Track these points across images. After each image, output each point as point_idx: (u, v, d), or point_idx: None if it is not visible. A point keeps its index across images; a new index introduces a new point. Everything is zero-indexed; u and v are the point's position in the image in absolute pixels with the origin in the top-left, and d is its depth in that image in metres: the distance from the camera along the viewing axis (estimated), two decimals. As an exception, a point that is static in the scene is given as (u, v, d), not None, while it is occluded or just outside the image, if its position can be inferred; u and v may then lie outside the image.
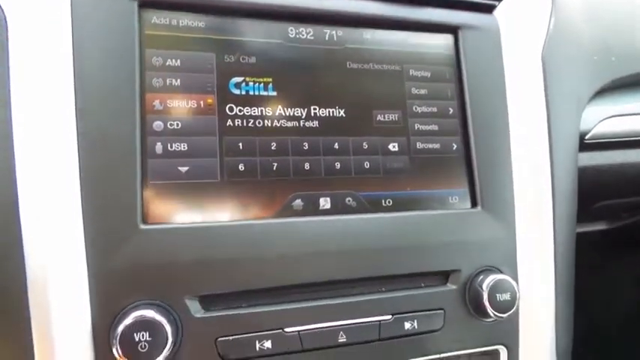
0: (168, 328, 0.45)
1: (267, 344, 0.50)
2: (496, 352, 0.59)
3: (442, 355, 0.56)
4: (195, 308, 0.49)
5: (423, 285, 0.57)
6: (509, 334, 0.60)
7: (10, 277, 0.45)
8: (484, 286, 0.56)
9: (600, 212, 0.92)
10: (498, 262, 0.59)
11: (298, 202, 0.55)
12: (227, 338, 0.49)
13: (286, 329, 0.51)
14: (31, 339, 0.46)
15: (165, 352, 0.45)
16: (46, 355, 0.46)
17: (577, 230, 0.68)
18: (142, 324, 0.45)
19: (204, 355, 0.48)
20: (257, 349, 0.50)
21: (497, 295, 0.56)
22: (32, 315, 0.46)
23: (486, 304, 0.56)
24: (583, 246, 0.72)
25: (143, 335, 0.45)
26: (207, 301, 0.49)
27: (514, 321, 0.60)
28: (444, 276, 0.58)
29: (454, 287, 0.57)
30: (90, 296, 0.46)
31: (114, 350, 0.44)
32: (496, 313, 0.56)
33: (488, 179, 0.61)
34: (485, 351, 0.59)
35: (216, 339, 0.49)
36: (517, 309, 0.59)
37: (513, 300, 0.57)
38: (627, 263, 1.14)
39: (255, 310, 0.50)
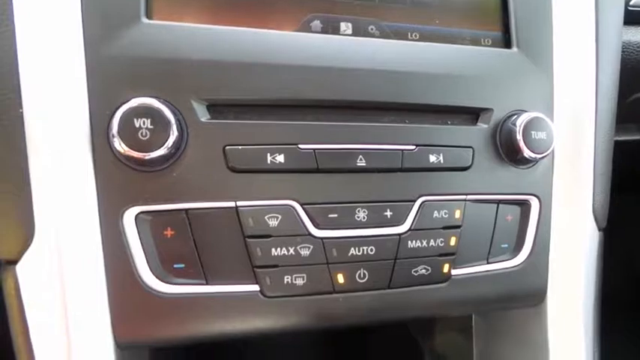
0: (172, 119, 0.41)
1: (280, 158, 0.46)
2: (527, 203, 0.54)
3: (468, 197, 0.52)
4: (201, 112, 0.44)
5: (450, 123, 0.52)
6: (542, 185, 0.55)
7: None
8: (518, 123, 0.51)
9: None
10: (533, 105, 0.54)
11: (317, 24, 0.50)
12: (236, 147, 0.45)
13: (301, 145, 0.46)
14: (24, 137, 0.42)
15: (169, 145, 0.41)
16: (39, 152, 0.42)
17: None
18: (144, 110, 0.41)
19: (211, 164, 0.44)
20: (268, 161, 0.45)
21: (533, 132, 0.51)
22: (26, 114, 0.42)
23: (520, 141, 0.51)
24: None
25: (144, 122, 0.41)
26: (215, 110, 0.45)
27: (548, 170, 0.55)
28: (474, 115, 0.53)
29: (485, 126, 0.52)
30: (88, 85, 0.42)
31: (111, 135, 0.40)
32: (530, 154, 0.51)
33: (526, 20, 0.55)
34: (515, 200, 0.54)
35: (225, 147, 0.44)
36: (552, 154, 0.54)
37: (549, 140, 0.52)
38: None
39: (268, 122, 0.46)
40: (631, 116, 0.85)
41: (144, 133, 0.41)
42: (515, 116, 0.52)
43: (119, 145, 0.41)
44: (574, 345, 0.59)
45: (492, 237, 0.53)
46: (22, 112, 0.41)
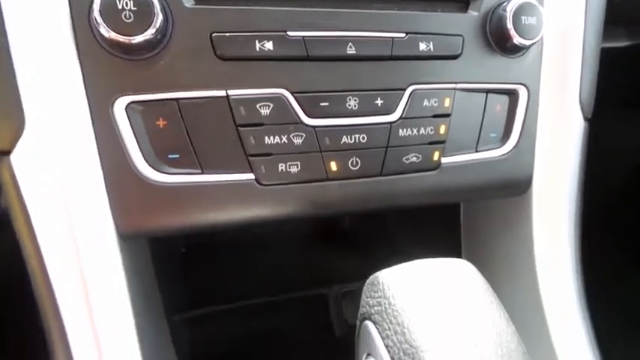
0: (156, 2, 0.40)
1: (269, 45, 0.45)
2: (515, 93, 0.55)
3: (458, 86, 0.52)
4: None
5: (440, 11, 0.51)
6: (530, 74, 0.55)
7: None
8: (508, 9, 0.50)
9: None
10: (524, -8, 0.53)
11: None
12: (224, 34, 0.44)
13: (289, 32, 0.46)
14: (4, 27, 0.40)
15: (154, 29, 0.40)
16: (21, 40, 0.41)
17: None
18: None
19: (199, 52, 0.43)
20: (257, 49, 0.45)
21: (523, 17, 0.51)
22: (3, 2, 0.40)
23: (510, 29, 0.50)
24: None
25: (127, 3, 0.39)
26: None
27: (536, 60, 0.55)
28: (465, 3, 0.52)
29: (475, 14, 0.51)
30: None
31: (94, 19, 0.39)
32: (520, 40, 0.51)
33: None
34: (503, 89, 0.54)
35: (212, 34, 0.44)
36: (541, 42, 0.54)
37: (539, 26, 0.51)
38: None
39: (255, 8, 0.45)
40: (619, 19, 0.84)
41: (127, 15, 0.39)
42: (505, 2, 0.51)
43: (103, 29, 0.39)
44: (557, 235, 0.62)
45: (481, 126, 0.54)
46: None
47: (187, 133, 0.45)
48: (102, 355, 0.45)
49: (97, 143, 0.43)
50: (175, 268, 0.89)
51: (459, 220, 0.73)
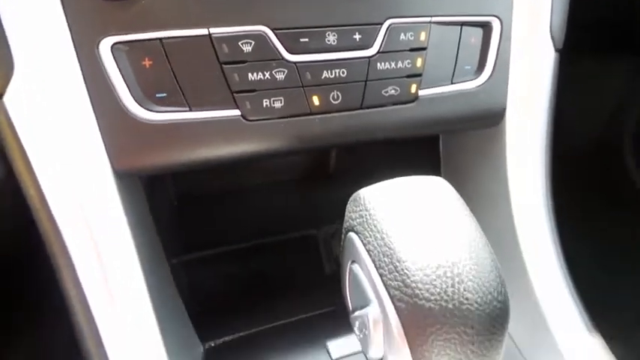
0: None
1: None
2: (489, 25, 0.57)
3: (433, 19, 0.53)
4: None
5: None
6: (503, 5, 0.57)
7: None
8: (481, -60, 0.52)
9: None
10: None
11: None
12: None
13: None
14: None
15: None
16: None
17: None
18: None
19: None
20: (236, -14, 0.46)
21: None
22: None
23: (483, -41, 0.52)
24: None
25: (105, -59, 0.40)
26: None
27: (509, -8, 0.57)
28: None
29: None
30: None
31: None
32: None
33: None
34: (477, 22, 0.56)
35: None
36: (514, -28, 0.56)
37: (511, -44, 0.53)
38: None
39: None
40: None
41: None
42: None
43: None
44: (529, 164, 0.66)
45: (456, 59, 0.56)
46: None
47: (173, 72, 0.46)
48: (109, 283, 0.48)
49: (86, 84, 0.45)
50: (170, 218, 0.92)
51: (439, 155, 0.76)
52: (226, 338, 0.65)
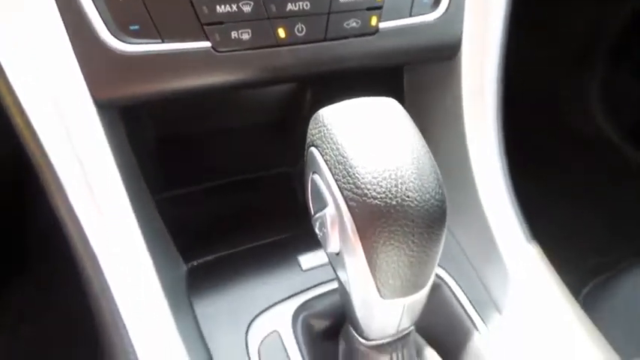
0: None
1: None
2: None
3: (393, -46, 0.57)
4: None
5: None
6: (459, -60, 0.60)
7: None
8: None
9: None
10: None
11: None
12: None
13: None
14: None
15: None
16: None
17: None
18: None
19: None
20: None
21: None
22: None
23: None
24: None
25: None
26: None
27: None
28: None
29: None
30: None
31: None
32: None
33: None
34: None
35: None
36: None
37: None
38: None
39: None
40: None
41: None
42: None
43: None
44: (483, 96, 0.71)
45: (414, -7, 0.60)
46: None
47: (145, 5, 0.49)
48: (96, 199, 0.52)
49: (62, 17, 0.47)
50: (149, 157, 0.95)
51: (402, 83, 0.81)
52: (208, 258, 0.71)
